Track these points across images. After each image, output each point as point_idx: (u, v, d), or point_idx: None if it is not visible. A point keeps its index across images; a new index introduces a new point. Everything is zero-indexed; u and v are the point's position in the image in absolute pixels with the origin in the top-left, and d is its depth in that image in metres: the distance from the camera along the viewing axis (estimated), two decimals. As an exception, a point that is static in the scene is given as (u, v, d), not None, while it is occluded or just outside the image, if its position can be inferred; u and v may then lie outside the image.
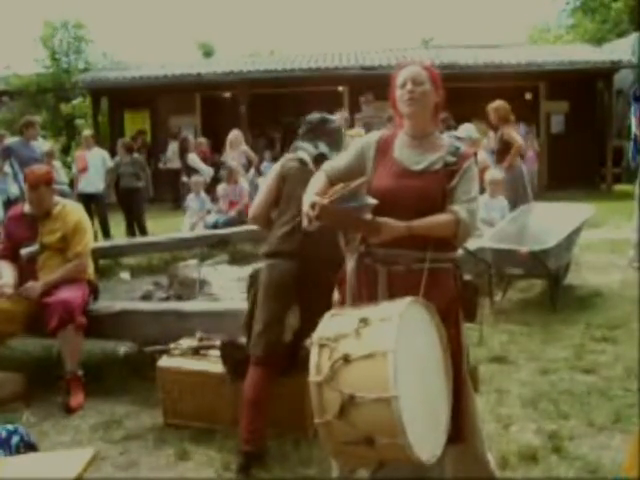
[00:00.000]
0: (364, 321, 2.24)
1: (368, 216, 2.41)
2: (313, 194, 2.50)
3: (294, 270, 3.17)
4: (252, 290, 3.36)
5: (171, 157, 14.76)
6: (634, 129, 7.04)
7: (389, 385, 2.08)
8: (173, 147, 14.68)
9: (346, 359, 2.17)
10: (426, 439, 2.24)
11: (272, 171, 3.46)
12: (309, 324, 2.82)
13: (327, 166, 2.75)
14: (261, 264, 3.33)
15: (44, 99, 20.94)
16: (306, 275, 3.14)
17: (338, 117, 8.92)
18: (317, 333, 2.30)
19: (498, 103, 7.19)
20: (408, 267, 2.51)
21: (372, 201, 2.41)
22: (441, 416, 2.40)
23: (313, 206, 2.39)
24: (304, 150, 3.38)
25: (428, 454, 2.23)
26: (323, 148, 3.37)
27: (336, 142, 3.47)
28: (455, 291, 2.58)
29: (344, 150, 3.24)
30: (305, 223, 2.45)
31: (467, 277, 2.64)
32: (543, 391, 3.99)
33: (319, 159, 3.22)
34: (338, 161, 2.75)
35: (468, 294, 2.62)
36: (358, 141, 2.85)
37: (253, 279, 3.37)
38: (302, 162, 3.29)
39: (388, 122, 7.44)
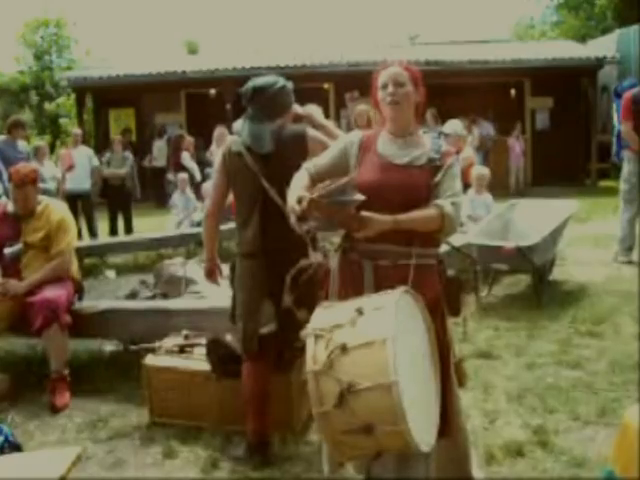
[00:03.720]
0: (358, 311, 2.25)
1: (354, 212, 2.41)
2: (299, 190, 2.51)
3: (263, 266, 3.19)
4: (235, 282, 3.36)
5: (156, 155, 14.67)
6: (617, 125, 7.09)
7: (389, 371, 2.08)
8: (158, 145, 14.59)
9: (343, 348, 2.17)
10: (422, 427, 2.24)
11: (217, 164, 3.37)
12: (287, 321, 2.92)
13: (309, 164, 2.75)
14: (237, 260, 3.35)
15: (27, 97, 20.78)
16: (275, 272, 3.07)
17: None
18: (311, 325, 2.29)
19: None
20: (394, 262, 2.52)
21: (360, 197, 2.41)
22: (432, 407, 2.42)
23: (300, 201, 2.39)
24: (239, 135, 3.28)
25: (425, 442, 2.24)
26: (244, 135, 3.23)
27: (274, 111, 3.25)
28: (439, 286, 2.59)
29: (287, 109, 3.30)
30: (292, 220, 2.47)
31: (451, 273, 2.66)
32: (529, 386, 4.02)
33: (249, 150, 3.20)
34: (321, 159, 2.76)
35: (452, 290, 2.64)
36: (341, 139, 2.85)
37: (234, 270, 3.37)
38: (239, 155, 3.22)
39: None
